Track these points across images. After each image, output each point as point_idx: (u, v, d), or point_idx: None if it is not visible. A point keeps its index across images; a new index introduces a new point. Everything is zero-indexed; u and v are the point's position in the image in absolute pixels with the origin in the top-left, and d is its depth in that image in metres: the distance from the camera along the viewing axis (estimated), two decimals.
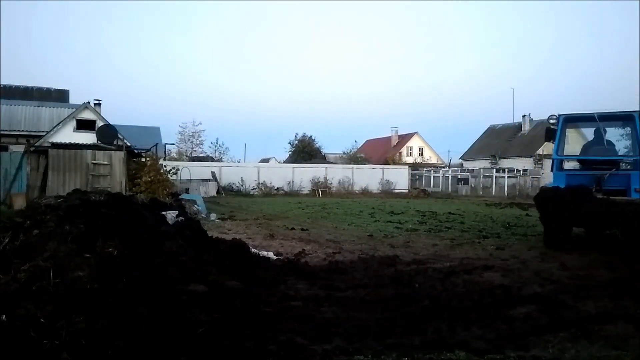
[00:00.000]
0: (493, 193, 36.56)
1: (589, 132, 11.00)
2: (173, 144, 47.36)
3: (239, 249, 7.07)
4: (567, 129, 10.57)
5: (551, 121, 10.62)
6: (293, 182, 35.16)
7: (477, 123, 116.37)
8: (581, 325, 4.55)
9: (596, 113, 10.30)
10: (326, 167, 38.30)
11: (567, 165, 10.75)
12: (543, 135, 11.93)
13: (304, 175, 35.57)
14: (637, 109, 10.09)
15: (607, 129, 10.35)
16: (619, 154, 10.29)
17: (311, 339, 4.18)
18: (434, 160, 58.69)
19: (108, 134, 20.15)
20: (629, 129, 10.19)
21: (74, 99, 37.35)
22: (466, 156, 55.35)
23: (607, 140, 10.29)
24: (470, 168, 45.43)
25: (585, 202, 8.79)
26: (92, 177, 16.99)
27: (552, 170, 10.38)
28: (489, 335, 4.37)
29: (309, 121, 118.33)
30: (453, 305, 5.31)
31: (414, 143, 62.03)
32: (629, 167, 9.97)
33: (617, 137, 10.65)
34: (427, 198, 32.14)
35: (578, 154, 10.59)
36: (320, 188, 34.54)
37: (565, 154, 10.75)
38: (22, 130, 29.17)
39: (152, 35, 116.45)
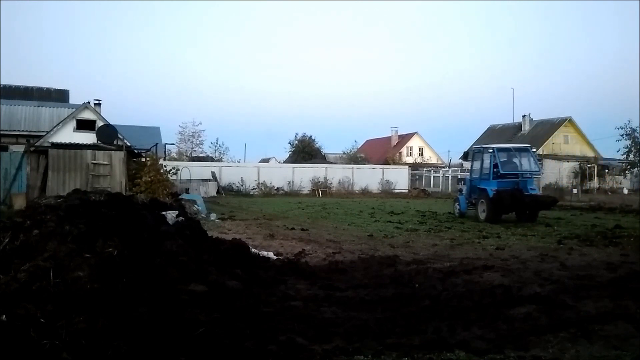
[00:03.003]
0: None
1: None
2: (173, 144, 47.25)
3: (239, 249, 7.07)
4: (499, 154, 16.43)
5: (476, 151, 18.14)
6: (293, 182, 35.15)
7: (477, 123, 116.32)
8: (581, 325, 4.54)
9: (512, 145, 18.20)
10: (326, 167, 38.30)
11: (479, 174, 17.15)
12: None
13: (304, 175, 35.57)
14: (529, 145, 18.47)
15: (517, 154, 16.94)
16: (521, 169, 16.47)
17: (311, 339, 4.17)
18: (434, 160, 58.63)
19: (108, 134, 20.14)
20: (527, 155, 16.96)
21: (74, 99, 37.28)
22: None
23: (513, 161, 16.61)
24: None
25: (525, 197, 15.23)
26: (92, 177, 16.98)
27: (487, 179, 16.27)
28: (489, 335, 4.37)
29: (309, 121, 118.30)
30: (453, 305, 5.30)
31: (414, 143, 61.97)
32: (525, 176, 16.21)
33: (518, 160, 16.79)
34: (427, 198, 32.14)
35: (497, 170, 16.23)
36: (320, 188, 34.55)
37: (483, 172, 16.84)
38: (22, 130, 29.10)
39: (152, 35, 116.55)
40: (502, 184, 15.61)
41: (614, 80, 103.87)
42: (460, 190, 18.83)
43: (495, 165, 16.06)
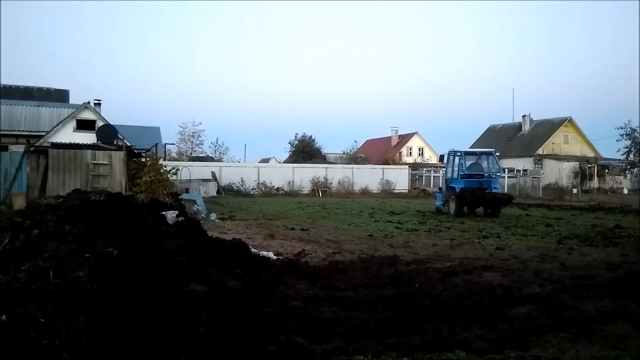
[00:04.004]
0: None
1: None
2: (173, 144, 47.25)
3: (239, 249, 7.06)
4: (465, 157, 18.93)
5: (452, 152, 19.61)
6: (293, 182, 35.17)
7: (477, 123, 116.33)
8: (581, 325, 4.54)
9: (477, 150, 21.12)
10: (326, 167, 38.32)
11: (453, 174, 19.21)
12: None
13: (304, 175, 35.58)
14: (493, 149, 21.51)
15: (482, 157, 19.48)
16: (486, 170, 18.98)
17: (311, 339, 4.17)
18: (434, 160, 58.53)
19: (108, 134, 20.15)
20: (491, 158, 19.36)
21: (74, 99, 37.28)
22: None
23: (479, 163, 19.15)
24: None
25: (485, 195, 17.47)
26: (92, 177, 16.99)
27: (456, 178, 18.51)
28: (489, 335, 4.36)
29: (309, 121, 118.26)
30: (453, 305, 5.30)
31: (414, 143, 61.96)
32: (489, 176, 18.50)
33: (482, 162, 19.38)
34: (427, 198, 32.13)
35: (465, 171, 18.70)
36: (320, 188, 34.57)
37: (454, 172, 19.02)
38: (22, 130, 29.10)
39: (152, 35, 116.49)
40: (468, 183, 17.88)
41: (614, 80, 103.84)
42: (440, 189, 21.36)
43: (463, 167, 18.58)
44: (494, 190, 17.84)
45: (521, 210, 20.87)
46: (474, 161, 19.15)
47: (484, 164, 19.05)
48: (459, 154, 18.97)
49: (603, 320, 4.70)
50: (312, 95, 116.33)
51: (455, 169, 18.86)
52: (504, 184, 38.17)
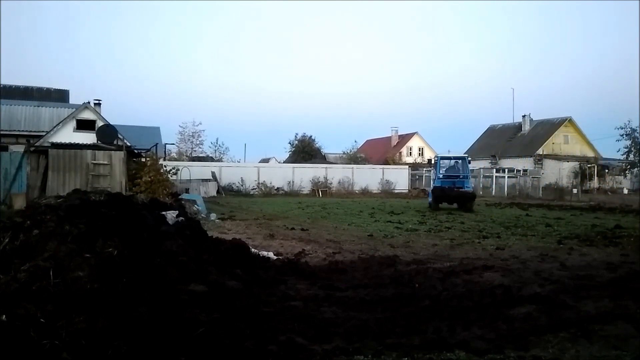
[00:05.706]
0: (493, 193, 36.54)
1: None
2: (173, 144, 47.19)
3: (239, 249, 7.07)
4: (441, 161, 22.91)
5: (435, 157, 24.07)
6: (293, 182, 35.14)
7: (477, 123, 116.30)
8: (581, 325, 4.54)
9: (452, 155, 24.16)
10: (326, 167, 38.29)
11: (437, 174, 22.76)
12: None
13: (304, 175, 35.55)
14: (466, 154, 24.61)
15: (457, 162, 22.85)
16: (459, 172, 22.23)
17: (311, 339, 4.17)
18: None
19: (108, 134, 20.13)
20: (464, 162, 22.46)
21: (74, 99, 37.23)
22: None
23: (454, 167, 22.58)
24: (470, 168, 45.47)
25: (452, 192, 20.84)
26: (92, 177, 16.96)
27: (437, 178, 22.32)
28: (489, 335, 4.37)
29: (309, 121, 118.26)
30: (453, 305, 5.30)
31: (414, 143, 61.96)
32: (462, 177, 21.81)
33: (457, 166, 22.69)
34: (427, 198, 32.09)
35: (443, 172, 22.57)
36: (320, 188, 34.54)
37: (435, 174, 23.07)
38: (22, 130, 29.08)
39: (152, 35, 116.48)
40: (444, 183, 21.57)
41: (614, 80, 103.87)
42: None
43: (441, 169, 22.38)
44: (466, 189, 21.29)
45: (521, 210, 20.88)
46: (451, 165, 22.90)
47: (458, 167, 22.44)
48: (435, 158, 23.04)
49: (603, 320, 4.70)
50: (312, 95, 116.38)
51: (436, 171, 22.78)
52: (504, 183, 38.48)
